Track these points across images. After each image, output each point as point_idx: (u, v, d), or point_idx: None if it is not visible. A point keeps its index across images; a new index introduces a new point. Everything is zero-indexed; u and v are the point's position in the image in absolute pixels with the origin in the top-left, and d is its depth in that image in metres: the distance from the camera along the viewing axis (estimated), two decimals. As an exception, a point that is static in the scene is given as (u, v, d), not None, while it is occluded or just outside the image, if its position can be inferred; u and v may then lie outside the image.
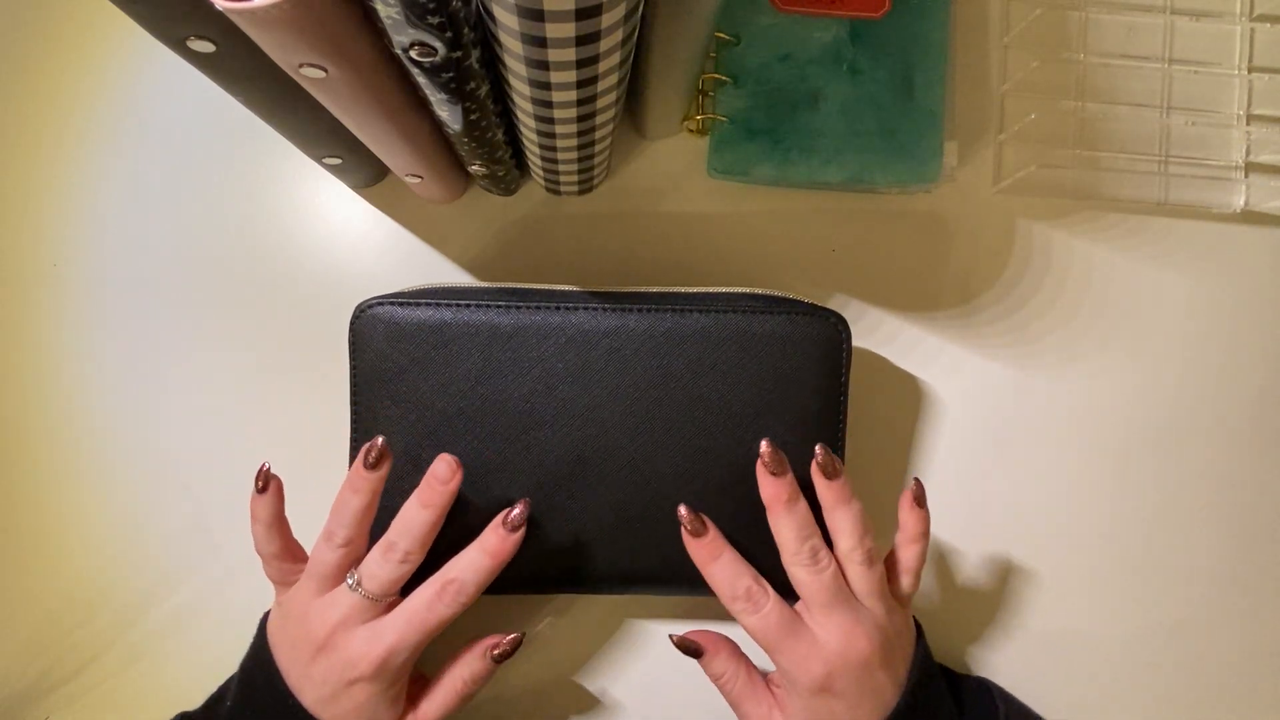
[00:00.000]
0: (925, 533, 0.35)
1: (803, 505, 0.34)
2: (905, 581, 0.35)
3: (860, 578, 0.34)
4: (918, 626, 0.36)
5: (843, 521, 0.34)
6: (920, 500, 0.35)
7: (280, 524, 0.35)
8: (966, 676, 0.40)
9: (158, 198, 0.43)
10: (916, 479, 0.36)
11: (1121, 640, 0.42)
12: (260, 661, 0.34)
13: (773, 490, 0.34)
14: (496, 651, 0.35)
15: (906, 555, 0.35)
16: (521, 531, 0.34)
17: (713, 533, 0.35)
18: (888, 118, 0.41)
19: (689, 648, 0.36)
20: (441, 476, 0.33)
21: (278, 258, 0.43)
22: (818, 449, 0.34)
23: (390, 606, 0.33)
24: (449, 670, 0.35)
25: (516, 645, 0.35)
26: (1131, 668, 0.42)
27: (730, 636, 0.37)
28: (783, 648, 0.33)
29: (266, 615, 0.36)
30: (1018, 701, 0.39)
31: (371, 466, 0.33)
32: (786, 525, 0.34)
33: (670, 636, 0.36)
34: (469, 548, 0.34)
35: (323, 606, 0.33)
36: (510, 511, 0.34)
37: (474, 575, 0.33)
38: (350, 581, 0.33)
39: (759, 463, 0.34)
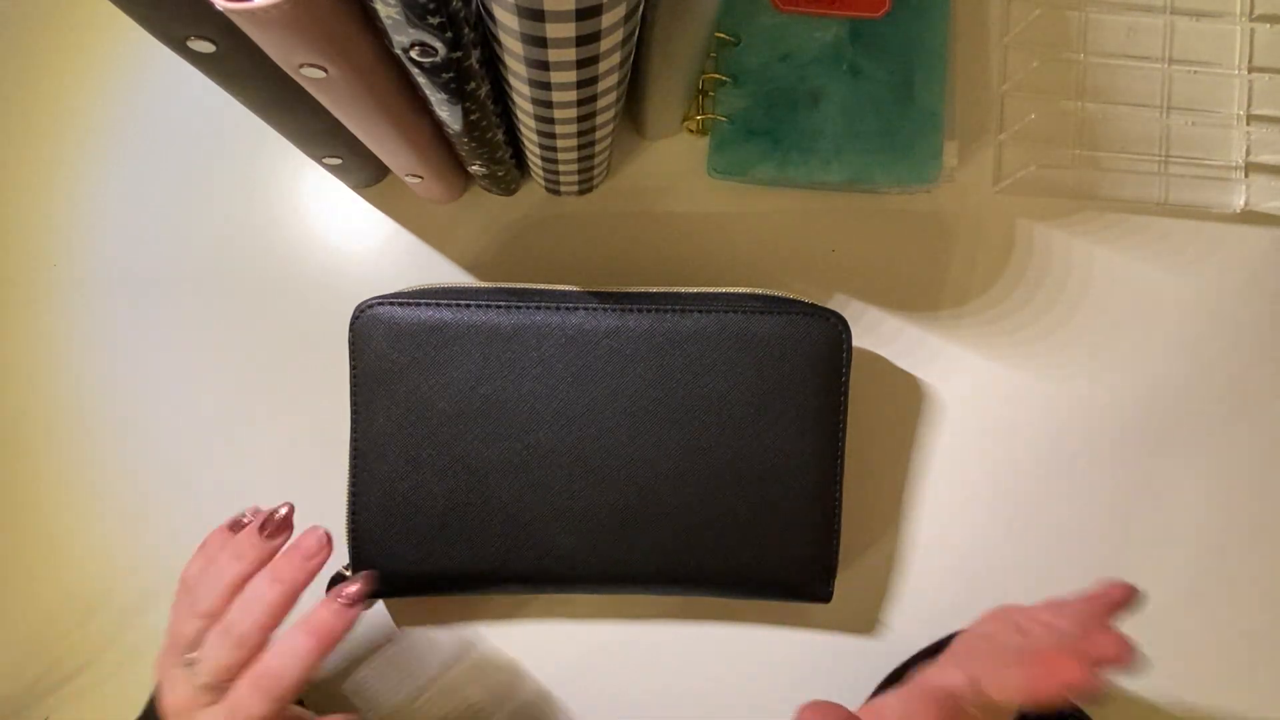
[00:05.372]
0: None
1: None
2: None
3: None
4: None
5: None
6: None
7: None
8: None
9: (157, 197, 0.43)
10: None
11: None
12: None
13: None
14: None
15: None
16: (359, 609, 0.29)
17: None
18: (888, 118, 0.41)
19: None
20: (307, 551, 0.29)
21: (278, 258, 0.43)
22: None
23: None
24: None
25: None
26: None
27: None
28: None
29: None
30: None
31: (270, 536, 0.29)
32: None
33: None
34: (289, 630, 0.29)
35: (165, 687, 0.29)
36: (346, 587, 0.29)
37: (294, 664, 0.28)
38: (187, 658, 0.29)
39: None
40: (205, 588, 0.29)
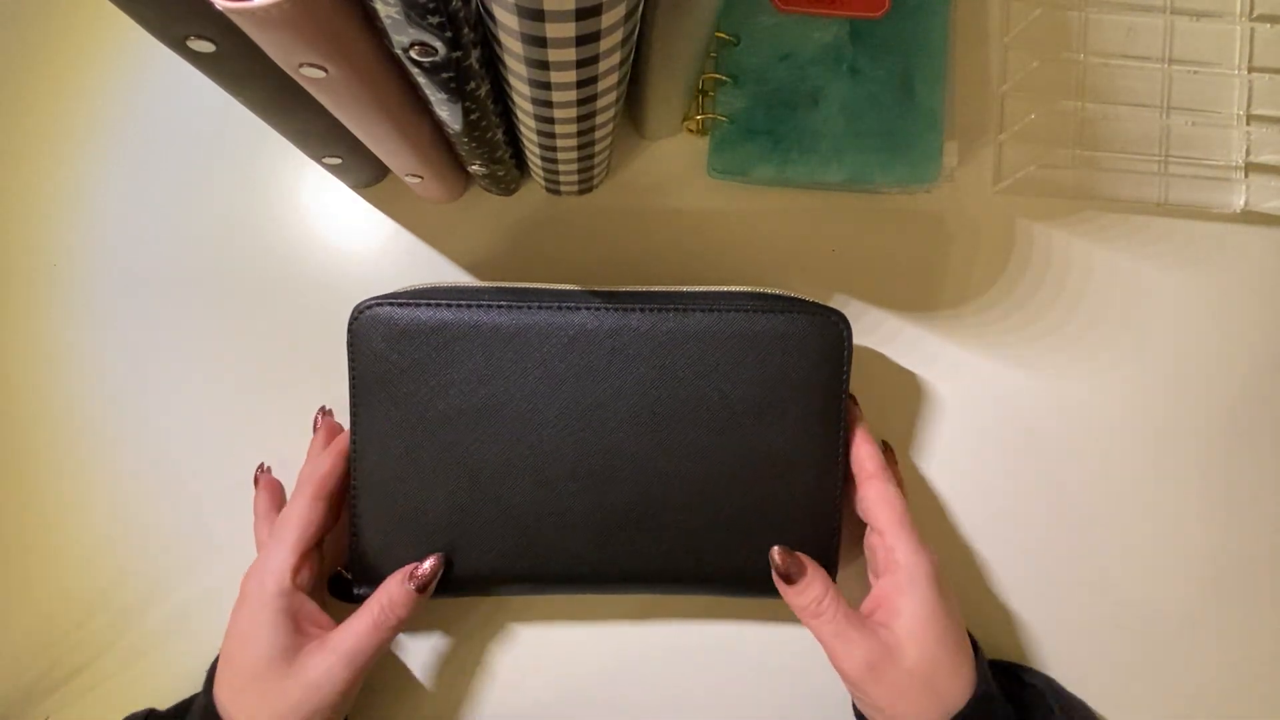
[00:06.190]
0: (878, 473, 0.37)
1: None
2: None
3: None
4: (974, 643, 0.35)
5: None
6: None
7: (269, 520, 0.37)
8: (1024, 672, 0.40)
9: (157, 197, 0.43)
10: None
11: (1121, 635, 0.42)
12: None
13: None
14: (415, 578, 0.34)
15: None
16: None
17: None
18: (888, 118, 0.41)
19: (788, 570, 0.35)
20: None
21: (277, 258, 0.43)
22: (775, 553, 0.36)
23: None
24: (369, 598, 0.35)
25: (436, 571, 0.34)
26: (1131, 663, 0.42)
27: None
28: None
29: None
30: (1073, 698, 0.39)
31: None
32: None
33: (772, 555, 0.35)
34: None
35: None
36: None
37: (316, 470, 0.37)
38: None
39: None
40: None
